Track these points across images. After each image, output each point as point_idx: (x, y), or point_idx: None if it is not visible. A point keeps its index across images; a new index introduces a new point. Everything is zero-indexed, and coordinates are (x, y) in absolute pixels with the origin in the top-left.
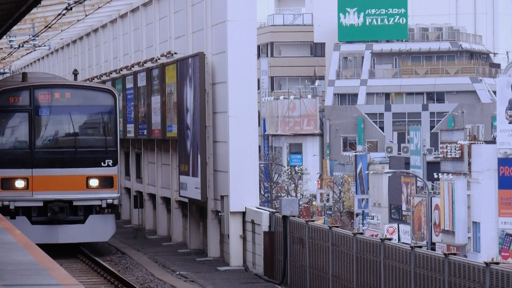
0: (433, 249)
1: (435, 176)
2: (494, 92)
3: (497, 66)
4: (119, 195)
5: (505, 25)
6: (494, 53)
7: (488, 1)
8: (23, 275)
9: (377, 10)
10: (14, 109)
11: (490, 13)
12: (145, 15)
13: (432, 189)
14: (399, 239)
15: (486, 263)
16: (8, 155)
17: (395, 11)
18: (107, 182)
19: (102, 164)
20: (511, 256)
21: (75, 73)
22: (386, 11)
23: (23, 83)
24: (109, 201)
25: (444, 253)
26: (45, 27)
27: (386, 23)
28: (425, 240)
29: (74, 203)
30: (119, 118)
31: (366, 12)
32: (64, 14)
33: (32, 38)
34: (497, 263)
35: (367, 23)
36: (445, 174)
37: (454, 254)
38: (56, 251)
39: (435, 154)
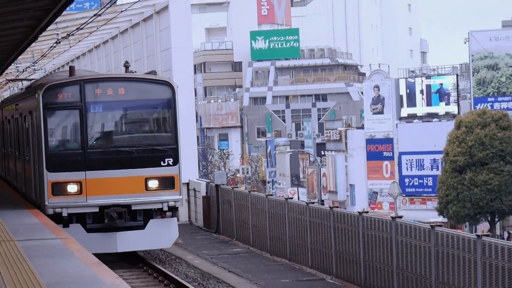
0: (322, 204)
1: (322, 153)
2: (362, 93)
3: (363, 74)
4: (181, 197)
5: (368, 46)
6: (361, 65)
7: (355, 29)
8: (31, 232)
9: (278, 37)
10: (63, 106)
11: (357, 38)
12: (113, 45)
13: (320, 162)
14: (298, 198)
15: (359, 212)
16: (58, 157)
17: (290, 37)
18: (167, 183)
19: (162, 163)
20: (377, 207)
21: (127, 66)
22: (284, 38)
23: (72, 77)
24: (171, 203)
25: (329, 207)
26: (41, 56)
27: (285, 46)
28: (317, 198)
29: (133, 207)
30: (178, 112)
31: (270, 39)
32: (55, 46)
33: (32, 64)
34: (366, 212)
35: (271, 47)
36: (329, 151)
37: (337, 207)
38: None
39: (322, 138)
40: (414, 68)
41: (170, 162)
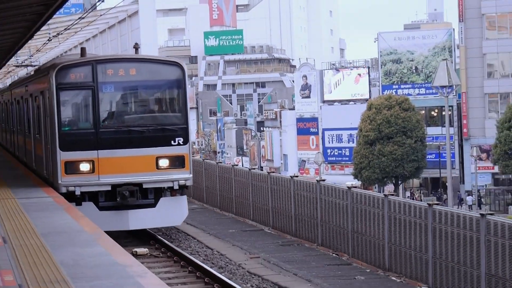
0: (261, 170)
1: (262, 129)
2: (293, 81)
3: (294, 66)
4: (191, 175)
5: (298, 43)
6: (292, 59)
7: (288, 30)
8: (29, 192)
9: (226, 36)
10: (75, 86)
11: (289, 37)
12: (94, 43)
13: (260, 136)
14: (242, 165)
15: (291, 176)
16: (71, 137)
17: (236, 37)
18: (178, 162)
19: (172, 142)
20: (305, 172)
21: (136, 47)
22: (231, 37)
23: (84, 58)
24: (181, 182)
25: (267, 172)
26: (36, 51)
27: (231, 44)
28: (257, 165)
29: (144, 186)
30: (188, 93)
31: (220, 38)
32: (47, 43)
33: (29, 57)
34: (296, 176)
35: (221, 44)
36: (267, 128)
37: (273, 172)
38: None
39: (261, 117)
40: (334, 61)
41: (181, 142)
